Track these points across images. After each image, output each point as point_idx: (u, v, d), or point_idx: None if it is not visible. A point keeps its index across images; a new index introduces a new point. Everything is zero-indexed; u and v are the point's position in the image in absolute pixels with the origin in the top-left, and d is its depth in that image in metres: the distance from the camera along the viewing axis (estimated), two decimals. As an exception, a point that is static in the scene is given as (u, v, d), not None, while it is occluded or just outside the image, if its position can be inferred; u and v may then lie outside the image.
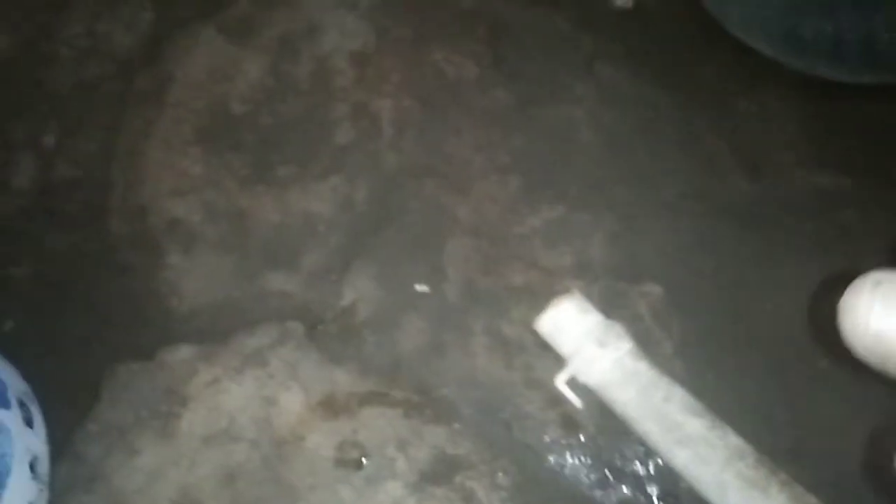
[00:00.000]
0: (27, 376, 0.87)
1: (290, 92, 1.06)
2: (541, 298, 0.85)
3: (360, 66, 1.06)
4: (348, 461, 0.83)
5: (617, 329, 0.80)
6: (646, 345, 0.82)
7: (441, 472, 0.81)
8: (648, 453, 0.79)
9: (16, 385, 0.85)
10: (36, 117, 1.09)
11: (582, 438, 0.81)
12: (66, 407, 0.87)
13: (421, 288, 0.91)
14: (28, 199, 1.03)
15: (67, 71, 1.13)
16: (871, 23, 0.87)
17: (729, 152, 0.95)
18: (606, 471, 0.80)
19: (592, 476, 0.79)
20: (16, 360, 0.88)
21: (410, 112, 1.02)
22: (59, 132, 1.08)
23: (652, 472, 0.79)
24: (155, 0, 1.16)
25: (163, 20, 1.14)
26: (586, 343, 0.78)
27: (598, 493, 0.79)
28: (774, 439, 0.77)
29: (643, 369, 0.77)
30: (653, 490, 0.79)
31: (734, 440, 0.75)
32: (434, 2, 1.08)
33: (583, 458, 0.80)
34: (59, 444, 0.85)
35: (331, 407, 0.86)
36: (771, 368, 0.84)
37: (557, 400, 0.82)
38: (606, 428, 0.80)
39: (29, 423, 0.83)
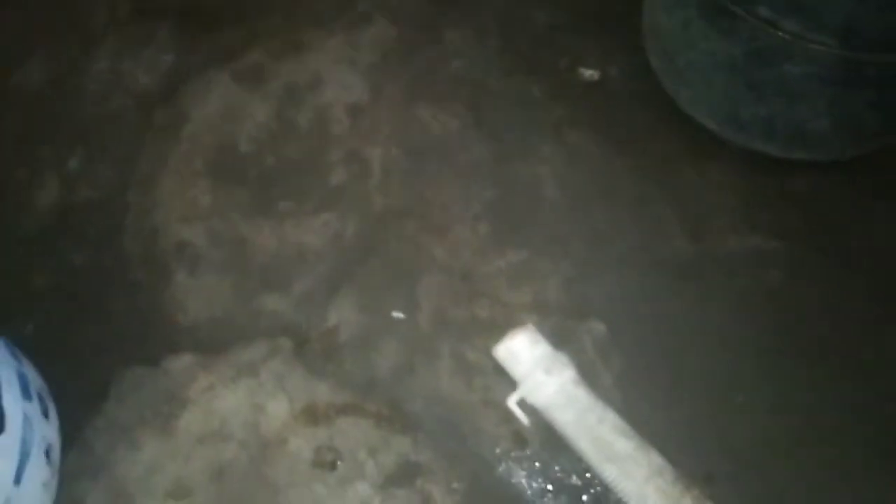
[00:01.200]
0: (44, 374, 0.98)
1: (291, 135, 1.19)
2: (500, 329, 0.98)
3: (356, 116, 1.20)
4: (324, 463, 0.94)
5: (563, 359, 0.92)
6: (588, 375, 0.95)
7: (404, 476, 0.93)
8: (584, 467, 0.91)
9: (35, 380, 0.96)
10: (62, 143, 1.21)
11: (528, 452, 0.93)
12: (78, 403, 0.98)
13: (397, 315, 1.04)
14: (51, 218, 1.15)
15: (92, 103, 1.25)
16: (795, 111, 1.02)
17: (673, 215, 1.09)
18: (548, 481, 0.92)
19: (535, 485, 0.91)
20: (35, 359, 0.98)
21: (397, 160, 1.16)
22: (83, 158, 1.20)
23: (587, 484, 0.91)
24: (175, 45, 1.30)
25: (181, 64, 1.28)
26: (536, 370, 0.91)
27: (539, 501, 0.91)
28: (691, 462, 0.90)
29: (582, 395, 0.90)
30: (586, 499, 0.91)
31: (656, 459, 0.87)
32: (424, 66, 1.23)
33: (528, 470, 0.92)
34: (70, 436, 0.96)
35: (311, 415, 0.98)
36: (694, 402, 0.96)
37: (509, 418, 0.94)
38: (549, 444, 0.93)
39: (45, 414, 0.94)
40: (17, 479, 0.84)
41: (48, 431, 0.93)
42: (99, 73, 1.29)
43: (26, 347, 0.98)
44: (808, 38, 0.89)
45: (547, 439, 0.93)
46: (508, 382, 0.95)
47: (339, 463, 0.94)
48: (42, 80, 1.29)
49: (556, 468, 0.92)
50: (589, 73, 1.21)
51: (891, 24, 0.86)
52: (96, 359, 1.02)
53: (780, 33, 0.90)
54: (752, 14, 0.90)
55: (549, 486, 0.91)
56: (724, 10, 0.94)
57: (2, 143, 1.22)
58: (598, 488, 0.90)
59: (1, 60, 1.30)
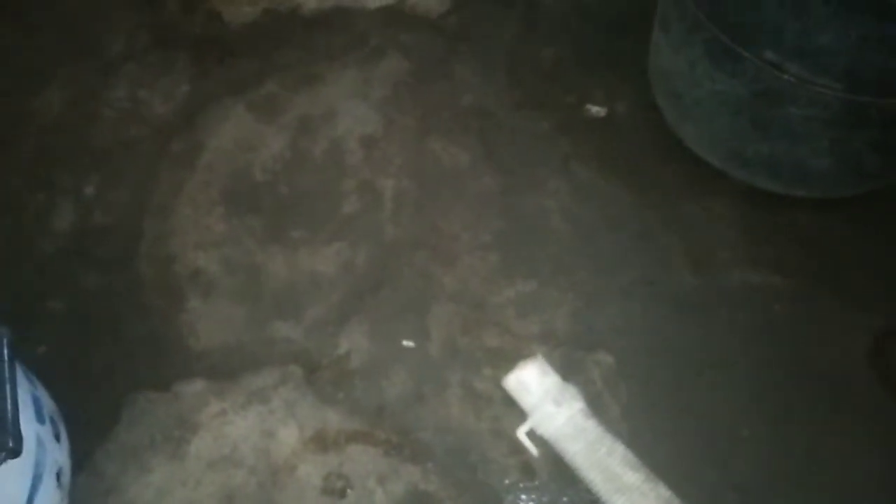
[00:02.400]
0: (56, 396, 0.99)
1: (306, 165, 1.22)
2: (509, 359, 0.99)
3: (369, 148, 1.23)
4: (333, 490, 0.95)
5: (572, 391, 0.94)
6: (596, 406, 0.97)
7: (414, 504, 0.93)
8: (593, 499, 0.92)
9: (48, 404, 0.97)
10: (79, 169, 1.24)
11: (537, 483, 0.94)
12: (89, 427, 0.98)
13: (407, 343, 1.05)
14: (67, 241, 1.17)
15: (110, 130, 1.28)
16: (798, 151, 1.05)
17: (677, 248, 1.12)
18: (555, 512, 0.93)
19: (543, 516, 0.92)
20: (47, 382, 0.99)
21: (409, 191, 1.18)
22: (99, 184, 1.22)
23: (594, 515, 0.92)
24: (192, 75, 1.33)
25: (198, 93, 1.30)
26: (545, 401, 0.92)
27: (547, 533, 0.92)
28: (697, 494, 0.91)
29: (591, 427, 0.91)
30: (594, 531, 0.91)
31: (664, 491, 0.88)
32: (436, 99, 1.26)
33: (536, 501, 0.93)
34: (81, 460, 0.96)
35: (321, 442, 0.99)
36: (700, 435, 0.98)
37: (518, 448, 0.95)
38: (558, 475, 0.94)
39: (57, 438, 0.95)
40: (29, 502, 0.85)
41: (59, 455, 0.94)
42: (117, 101, 1.31)
43: (38, 370, 0.98)
44: (811, 82, 0.92)
45: (556, 471, 0.94)
46: (518, 413, 0.96)
47: (348, 491, 0.95)
48: (60, 107, 1.31)
49: (565, 500, 0.93)
50: (596, 110, 1.24)
51: (892, 68, 0.89)
52: (108, 383, 1.03)
53: (785, 76, 0.93)
54: (757, 57, 0.93)
55: (558, 517, 0.92)
56: (730, 52, 0.97)
57: (20, 167, 1.24)
58: (606, 519, 0.91)
59: (21, 86, 1.33)
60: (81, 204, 1.20)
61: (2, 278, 1.07)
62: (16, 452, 0.78)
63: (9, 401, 0.78)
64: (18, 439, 0.79)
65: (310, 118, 1.26)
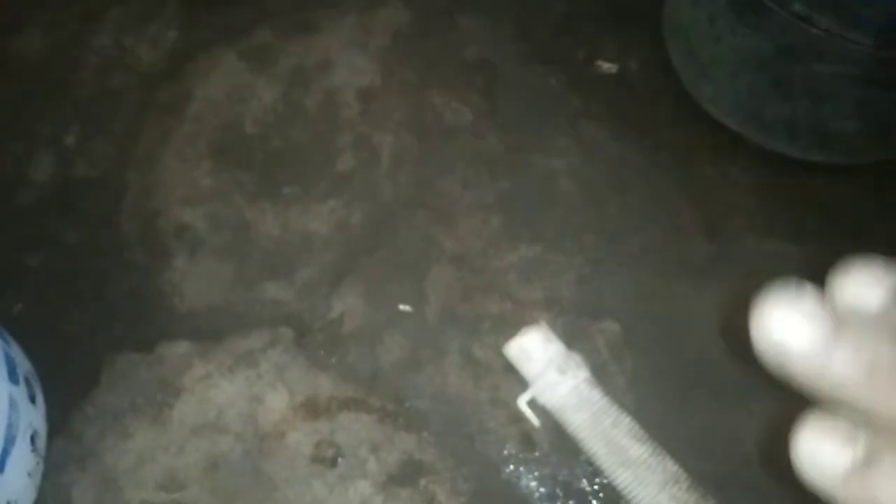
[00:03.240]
0: (32, 357, 0.94)
1: (299, 119, 1.15)
2: (511, 326, 0.94)
3: (366, 101, 1.16)
4: (324, 459, 0.91)
5: (576, 359, 0.89)
6: (601, 375, 0.91)
7: (408, 475, 0.89)
8: (595, 472, 0.88)
9: (23, 363, 0.92)
10: (60, 118, 1.17)
11: (537, 454, 0.90)
12: (67, 389, 0.94)
13: (404, 308, 1.00)
14: (46, 194, 1.11)
15: (93, 78, 1.21)
16: (821, 112, 0.99)
17: (691, 213, 1.06)
18: (556, 485, 0.88)
19: (543, 489, 0.88)
20: (23, 342, 0.94)
21: (408, 148, 1.12)
22: (81, 134, 1.16)
23: (597, 489, 0.88)
24: (181, 21, 1.25)
25: (187, 41, 1.23)
26: (548, 369, 0.87)
27: (547, 506, 0.88)
28: (707, 468, 0.86)
29: (596, 397, 0.86)
30: (596, 506, 0.87)
31: (671, 466, 0.84)
32: (438, 51, 1.19)
33: (536, 473, 0.89)
34: (57, 423, 0.92)
35: (312, 409, 0.94)
36: (709, 408, 0.93)
37: (518, 418, 0.91)
38: (559, 447, 0.89)
39: (32, 399, 0.90)
40: (1, 467, 0.80)
41: (34, 417, 0.89)
42: (100, 47, 1.24)
43: (15, 328, 0.93)
44: (842, 36, 0.86)
45: (557, 442, 0.89)
46: (518, 381, 0.91)
47: (339, 459, 0.90)
48: (40, 52, 1.24)
49: (566, 472, 0.88)
50: (608, 66, 1.18)
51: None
52: (88, 343, 0.98)
53: (814, 30, 0.87)
54: (785, 8, 0.87)
55: (559, 490, 0.88)
56: (756, 4, 0.90)
57: (-3, 114, 1.18)
58: (609, 494, 0.87)
59: (3, 27, 1.25)
60: (62, 154, 1.14)
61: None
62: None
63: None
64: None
65: (304, 68, 1.19)
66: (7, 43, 1.25)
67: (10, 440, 0.82)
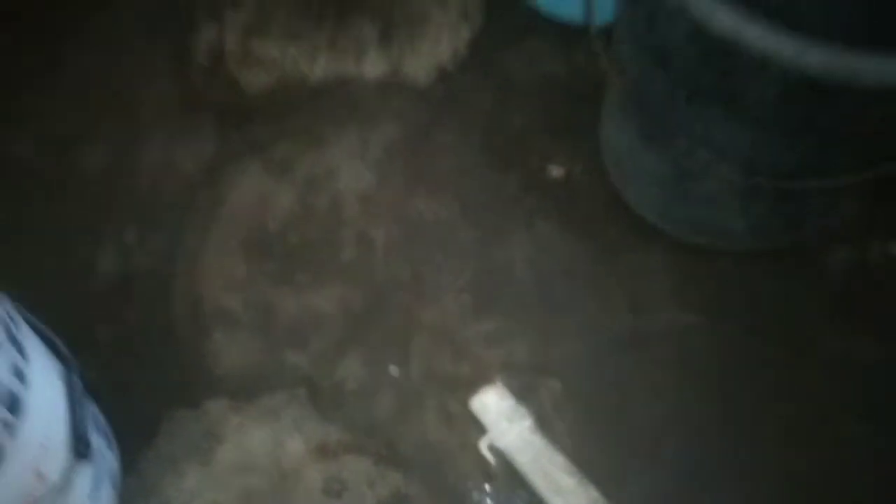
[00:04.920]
0: (107, 414, 1.22)
1: (311, 217, 1.44)
2: (475, 385, 1.22)
3: (364, 203, 1.45)
4: (332, 492, 1.18)
5: (522, 411, 1.17)
6: (545, 423, 1.19)
7: None
8: (538, 499, 1.14)
9: (101, 419, 1.20)
10: (120, 219, 1.46)
11: (496, 486, 1.17)
12: (134, 438, 1.21)
13: (393, 370, 1.28)
14: (111, 281, 1.40)
15: (147, 185, 1.50)
16: (714, 215, 1.27)
17: (619, 293, 1.34)
18: (508, 509, 1.16)
19: (499, 512, 1.15)
20: (99, 402, 1.22)
21: (397, 241, 1.41)
22: (138, 232, 1.44)
23: (538, 512, 1.15)
24: (216, 138, 1.55)
25: (221, 154, 1.53)
26: (500, 419, 1.15)
27: (502, 526, 1.15)
28: (623, 497, 1.13)
29: (537, 440, 1.14)
30: (539, 525, 1.14)
31: (594, 493, 1.11)
32: (421, 160, 1.48)
33: (495, 500, 1.16)
34: (128, 466, 1.19)
35: (323, 452, 1.22)
36: (631, 450, 1.20)
37: (480, 458, 1.18)
38: (511, 480, 1.16)
39: (110, 448, 1.18)
40: (93, 499, 1.08)
41: (113, 462, 1.17)
42: (151, 159, 1.53)
43: (92, 391, 1.21)
44: (720, 165, 1.15)
45: (509, 476, 1.16)
46: (480, 429, 1.19)
47: (344, 493, 1.18)
48: (102, 164, 1.53)
49: (517, 499, 1.16)
50: (556, 171, 1.47)
51: (783, 158, 1.11)
52: (150, 401, 1.26)
53: (699, 158, 1.15)
54: (673, 143, 1.16)
55: (510, 513, 1.15)
56: (653, 137, 1.20)
57: (68, 218, 1.47)
58: (549, 516, 1.14)
59: (68, 146, 1.55)
60: (123, 249, 1.42)
61: (57, 314, 1.28)
62: (87, 457, 1.02)
63: (82, 417, 1.02)
64: (89, 446, 1.02)
65: (315, 176, 1.48)
66: (75, 158, 1.54)
67: (98, 479, 1.10)
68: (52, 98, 1.61)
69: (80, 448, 0.99)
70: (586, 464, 1.16)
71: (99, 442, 1.13)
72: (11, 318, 0.95)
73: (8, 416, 0.86)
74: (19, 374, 0.90)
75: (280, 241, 1.42)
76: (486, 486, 1.17)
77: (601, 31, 1.17)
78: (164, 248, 1.42)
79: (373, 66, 1.59)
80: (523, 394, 1.23)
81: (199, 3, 1.70)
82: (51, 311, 1.04)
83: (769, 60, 0.89)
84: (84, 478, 1.04)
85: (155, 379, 1.28)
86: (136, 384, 1.28)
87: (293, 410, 1.25)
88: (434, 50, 1.61)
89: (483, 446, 1.17)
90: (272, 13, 1.66)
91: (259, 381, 1.28)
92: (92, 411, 1.16)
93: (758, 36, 0.88)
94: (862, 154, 1.06)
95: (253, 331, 1.33)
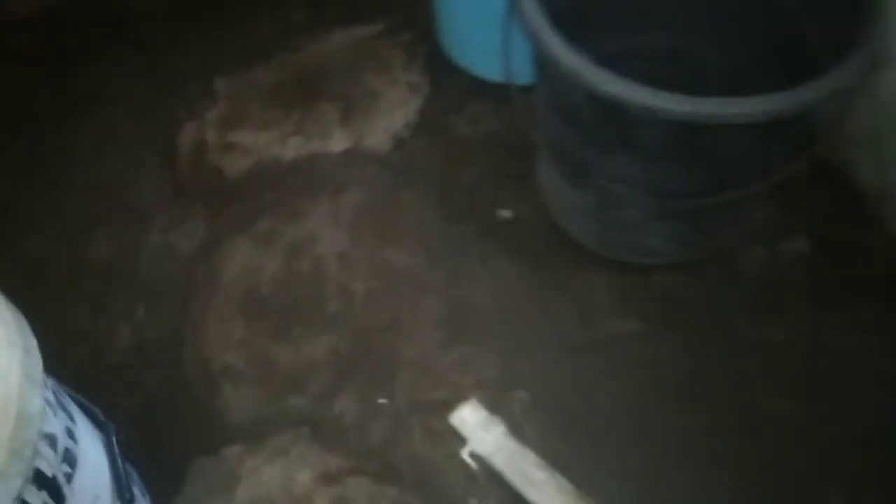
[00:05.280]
0: (137, 467, 1.40)
1: (297, 279, 1.65)
2: (454, 403, 1.42)
3: (342, 261, 1.67)
4: (340, 511, 1.36)
5: (496, 420, 1.37)
6: (517, 429, 1.39)
7: (396, 514, 1.35)
8: (515, 493, 1.33)
9: (133, 473, 1.38)
10: (129, 298, 1.66)
11: (479, 486, 1.36)
12: (163, 486, 1.39)
13: (382, 401, 1.48)
14: (128, 353, 1.59)
15: (150, 266, 1.71)
16: (638, 237, 1.50)
17: (569, 310, 1.55)
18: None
19: (484, 509, 1.34)
20: (128, 456, 1.40)
21: (374, 290, 1.62)
22: (146, 308, 1.65)
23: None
24: (206, 219, 1.77)
25: (212, 233, 1.74)
26: (477, 429, 1.35)
27: (489, 521, 1.34)
28: (588, 484, 1.33)
29: (510, 444, 1.34)
30: (518, 516, 1.33)
31: (563, 483, 1.31)
32: (388, 219, 1.70)
33: (479, 498, 1.35)
34: (160, 510, 1.37)
35: (328, 479, 1.40)
36: (592, 445, 1.40)
37: (465, 465, 1.37)
38: (492, 479, 1.35)
39: (144, 496, 1.36)
40: (136, 541, 1.26)
41: (148, 507, 1.35)
42: (152, 243, 1.74)
43: (123, 448, 1.39)
44: (632, 196, 1.38)
45: (490, 476, 1.36)
46: (461, 440, 1.39)
47: (350, 509, 1.36)
48: (108, 252, 1.74)
49: (499, 495, 1.35)
50: (505, 214, 1.70)
51: (682, 183, 1.34)
52: (175, 453, 1.44)
53: (615, 192, 1.39)
54: (592, 181, 1.39)
55: (494, 509, 1.34)
56: (576, 177, 1.43)
57: (83, 302, 1.67)
58: (527, 507, 1.33)
59: (76, 238, 1.76)
60: (135, 325, 1.62)
61: (86, 385, 1.47)
62: None
63: (123, 470, 1.20)
64: (133, 496, 1.21)
65: (297, 242, 1.70)
66: (82, 248, 1.75)
67: (138, 523, 1.27)
68: (57, 199, 1.82)
69: (127, 496, 1.17)
70: (554, 458, 1.35)
71: (137, 492, 1.31)
72: (56, 392, 1.14)
73: (68, 469, 1.05)
74: (72, 436, 1.10)
75: (272, 302, 1.62)
76: (471, 488, 1.36)
77: (522, 92, 1.41)
78: (171, 319, 1.62)
79: (337, 143, 1.83)
80: (496, 406, 1.42)
81: (181, 102, 1.94)
82: (81, 384, 1.22)
83: (650, 112, 1.13)
84: (129, 522, 1.22)
85: (176, 433, 1.47)
86: (160, 439, 1.46)
87: (299, 446, 1.44)
88: (389, 122, 1.85)
89: (465, 455, 1.36)
90: (245, 107, 1.91)
91: (267, 425, 1.47)
92: (125, 467, 1.34)
93: (639, 95, 1.12)
94: (741, 172, 1.30)
95: (257, 382, 1.52)
